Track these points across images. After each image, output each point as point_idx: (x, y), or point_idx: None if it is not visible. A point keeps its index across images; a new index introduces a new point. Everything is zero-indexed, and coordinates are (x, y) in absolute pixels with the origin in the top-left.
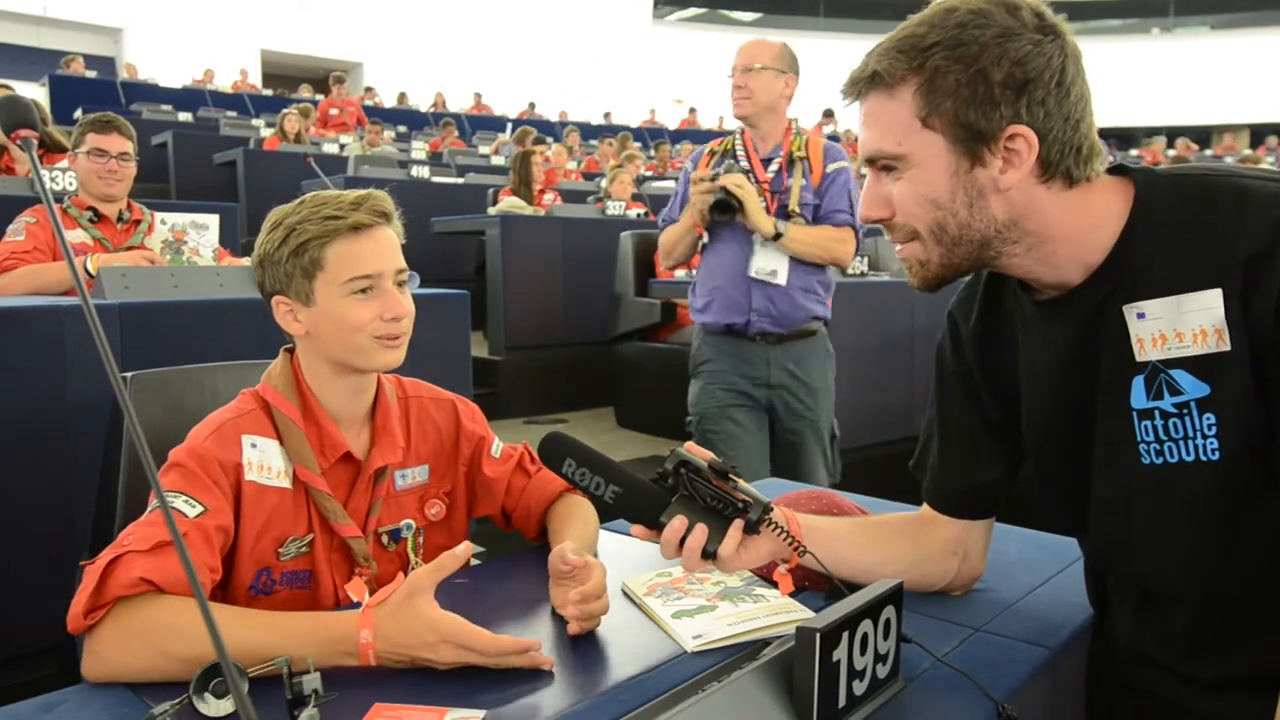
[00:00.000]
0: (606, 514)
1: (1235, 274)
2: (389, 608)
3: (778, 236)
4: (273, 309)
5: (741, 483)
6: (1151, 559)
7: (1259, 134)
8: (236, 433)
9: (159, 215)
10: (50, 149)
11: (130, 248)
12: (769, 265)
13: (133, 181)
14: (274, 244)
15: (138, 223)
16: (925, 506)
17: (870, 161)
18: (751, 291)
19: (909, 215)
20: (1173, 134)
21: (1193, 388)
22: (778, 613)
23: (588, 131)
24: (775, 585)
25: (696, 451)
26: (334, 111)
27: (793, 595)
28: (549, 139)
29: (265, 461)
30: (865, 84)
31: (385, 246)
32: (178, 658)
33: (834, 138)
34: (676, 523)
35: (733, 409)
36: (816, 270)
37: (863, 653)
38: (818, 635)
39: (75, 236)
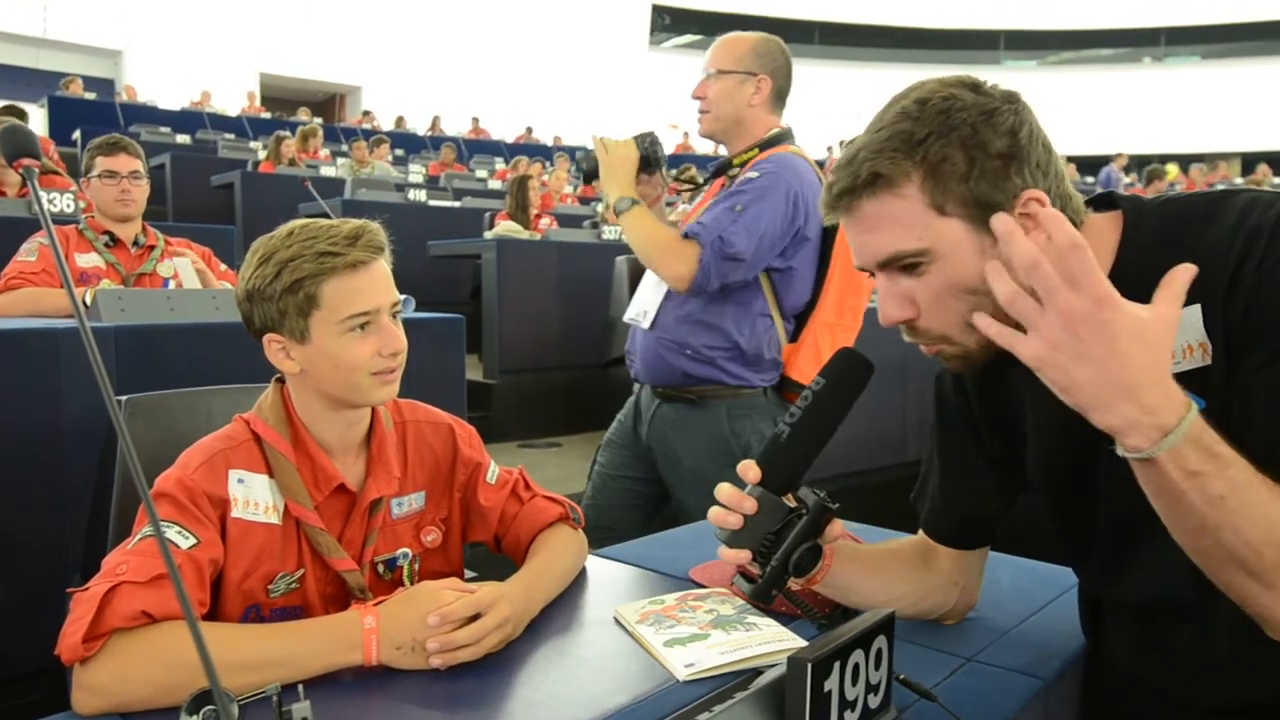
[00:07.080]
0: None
1: (1215, 290)
2: (393, 600)
3: (617, 213)
4: (264, 346)
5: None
6: (1160, 577)
7: (1250, 162)
8: (225, 466)
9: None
10: (40, 172)
11: (143, 274)
12: (643, 304)
13: (146, 202)
14: (265, 279)
15: (151, 248)
16: (922, 536)
17: (884, 265)
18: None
19: (941, 317)
20: (1165, 162)
21: None
22: (770, 641)
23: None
24: (771, 613)
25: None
26: None
27: (784, 624)
28: (545, 162)
29: (252, 497)
30: (864, 188)
31: (382, 281)
32: (181, 685)
33: None
34: (747, 504)
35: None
36: (710, 327)
37: (854, 683)
38: (809, 665)
39: (90, 260)
